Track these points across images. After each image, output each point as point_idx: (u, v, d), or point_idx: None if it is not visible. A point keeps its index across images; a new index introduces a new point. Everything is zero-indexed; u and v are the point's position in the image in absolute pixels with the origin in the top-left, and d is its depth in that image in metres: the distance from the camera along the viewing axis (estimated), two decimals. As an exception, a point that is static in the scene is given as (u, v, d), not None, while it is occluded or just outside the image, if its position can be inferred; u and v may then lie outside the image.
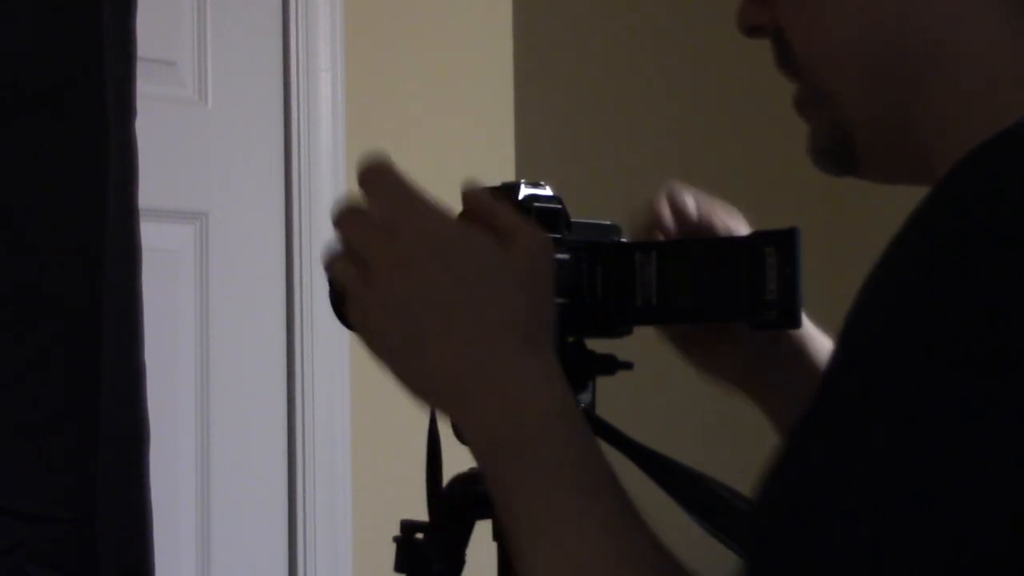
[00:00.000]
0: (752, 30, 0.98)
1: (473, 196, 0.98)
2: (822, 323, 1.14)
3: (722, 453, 3.10)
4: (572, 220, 1.11)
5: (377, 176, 0.96)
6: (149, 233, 2.00)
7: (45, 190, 1.84)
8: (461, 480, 1.17)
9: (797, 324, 1.03)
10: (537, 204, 1.08)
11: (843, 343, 0.79)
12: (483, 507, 1.17)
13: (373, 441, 2.55)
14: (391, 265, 0.92)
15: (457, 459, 1.19)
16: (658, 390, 3.45)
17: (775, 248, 1.03)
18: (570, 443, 0.90)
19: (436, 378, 0.92)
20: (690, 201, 1.18)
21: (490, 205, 0.96)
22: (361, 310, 0.94)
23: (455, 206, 0.99)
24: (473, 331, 0.91)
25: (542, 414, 0.90)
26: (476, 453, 0.92)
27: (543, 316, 0.94)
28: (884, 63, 0.91)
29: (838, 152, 0.96)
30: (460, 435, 0.94)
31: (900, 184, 0.97)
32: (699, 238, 1.16)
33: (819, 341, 1.16)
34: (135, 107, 1.95)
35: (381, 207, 0.94)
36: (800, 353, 1.16)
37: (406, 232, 0.93)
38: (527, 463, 0.89)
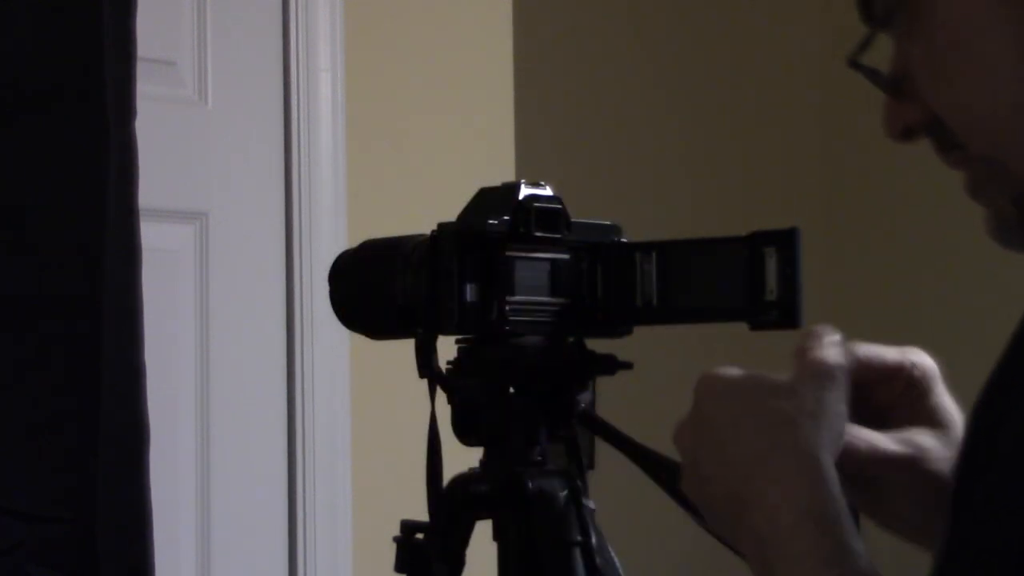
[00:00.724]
0: (906, 133, 0.92)
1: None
2: (821, 323, 1.13)
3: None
4: (572, 220, 1.11)
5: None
6: (149, 233, 2.00)
7: (45, 190, 1.84)
8: (461, 480, 1.17)
9: (797, 324, 1.03)
10: (537, 204, 1.09)
11: None
12: (483, 507, 1.17)
13: (373, 441, 2.55)
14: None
15: (457, 459, 1.19)
16: (658, 390, 3.44)
17: (775, 248, 1.02)
18: (819, 544, 0.87)
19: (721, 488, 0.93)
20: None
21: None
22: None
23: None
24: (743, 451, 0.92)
25: (798, 514, 0.88)
26: (749, 560, 0.91)
27: (813, 416, 0.92)
28: None
29: None
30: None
31: None
32: (699, 238, 1.16)
33: None
34: (135, 107, 1.95)
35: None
36: None
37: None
38: (778, 563, 0.88)
